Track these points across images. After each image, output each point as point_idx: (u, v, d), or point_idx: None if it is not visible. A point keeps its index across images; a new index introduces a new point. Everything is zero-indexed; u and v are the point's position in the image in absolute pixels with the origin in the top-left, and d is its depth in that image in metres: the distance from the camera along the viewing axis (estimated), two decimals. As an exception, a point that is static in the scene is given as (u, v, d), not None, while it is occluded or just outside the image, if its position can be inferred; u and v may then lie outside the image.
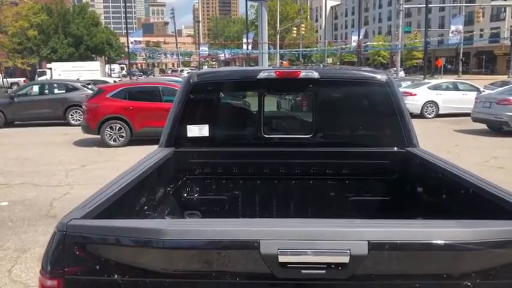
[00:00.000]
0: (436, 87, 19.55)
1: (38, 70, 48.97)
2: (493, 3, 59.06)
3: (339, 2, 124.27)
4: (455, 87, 19.81)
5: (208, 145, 3.40)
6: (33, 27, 41.71)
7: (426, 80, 23.26)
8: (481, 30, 68.32)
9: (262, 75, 3.32)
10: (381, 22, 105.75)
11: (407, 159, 3.28)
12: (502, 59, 66.63)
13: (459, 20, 39.35)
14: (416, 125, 12.65)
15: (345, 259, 1.52)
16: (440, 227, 1.65)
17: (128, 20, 40.26)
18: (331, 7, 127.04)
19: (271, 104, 3.64)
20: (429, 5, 69.13)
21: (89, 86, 17.65)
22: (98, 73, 40.03)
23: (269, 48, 52.32)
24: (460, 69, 59.61)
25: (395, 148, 3.38)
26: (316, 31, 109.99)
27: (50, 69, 42.87)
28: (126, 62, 58.42)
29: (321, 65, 35.04)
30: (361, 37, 39.71)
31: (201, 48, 68.60)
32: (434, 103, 19.01)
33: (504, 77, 40.45)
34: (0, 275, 4.56)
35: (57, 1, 54.72)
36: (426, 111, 18.95)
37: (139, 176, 2.53)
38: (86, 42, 55.78)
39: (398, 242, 1.56)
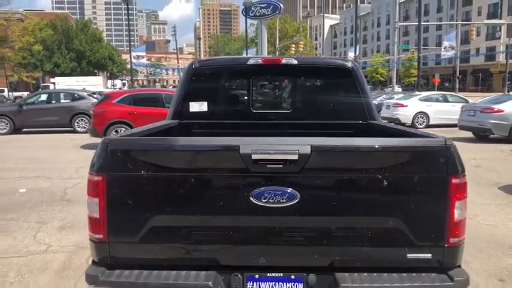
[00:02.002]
0: (426, 99, 20.37)
1: (42, 84, 50.01)
2: (487, 21, 60.45)
3: (338, 21, 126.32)
4: (445, 99, 20.64)
5: (207, 118, 4.17)
6: (38, 43, 42.83)
7: (417, 92, 24.09)
8: (477, 49, 69.64)
9: (251, 61, 4.11)
10: (379, 40, 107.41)
11: (368, 129, 4.03)
12: (497, 77, 67.78)
13: (452, 37, 40.44)
14: None
15: (295, 156, 2.27)
16: (364, 142, 2.42)
17: (131, 37, 41.36)
18: (330, 26, 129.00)
19: (259, 86, 4.42)
20: (426, 23, 70.45)
21: (94, 96, 18.48)
22: (100, 88, 41.01)
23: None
24: (457, 86, 60.60)
25: (360, 121, 4.15)
26: (316, 48, 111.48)
27: (54, 83, 43.85)
28: (128, 77, 59.53)
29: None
30: (357, 54, 40.68)
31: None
32: (424, 114, 19.79)
33: (500, 94, 41.36)
34: (27, 239, 5.28)
35: (61, 17, 56.06)
36: (417, 122, 19.73)
37: (152, 129, 3.30)
38: (89, 58, 57.01)
39: (331, 145, 2.33)
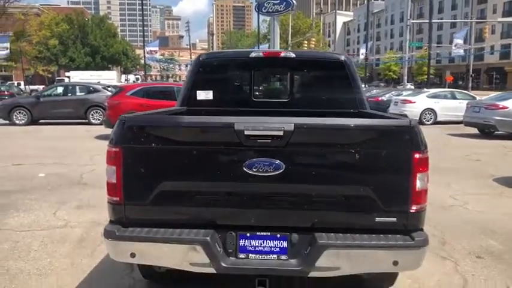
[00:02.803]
0: (434, 96, 20.60)
1: (57, 78, 50.93)
2: (502, 19, 60.01)
3: (352, 18, 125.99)
4: (453, 96, 20.84)
5: (212, 105, 4.59)
6: (54, 37, 43.62)
7: (425, 89, 24.29)
8: (491, 47, 69.21)
9: (253, 55, 4.54)
10: (392, 38, 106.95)
11: (358, 117, 4.43)
12: (512, 75, 67.31)
13: (463, 34, 40.37)
14: None
15: (281, 133, 2.69)
16: (339, 121, 2.84)
17: (144, 33, 41.98)
18: (344, 22, 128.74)
19: (260, 77, 4.85)
20: (440, 21, 69.99)
21: (109, 89, 19.04)
22: (114, 82, 41.69)
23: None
24: (470, 85, 60.33)
25: (351, 110, 4.55)
26: (329, 45, 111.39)
27: (68, 77, 44.68)
28: (141, 72, 60.26)
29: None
30: (368, 51, 40.80)
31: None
32: (432, 111, 20.04)
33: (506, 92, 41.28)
34: (48, 216, 5.78)
35: (77, 12, 56.89)
36: (425, 118, 19.98)
37: (163, 112, 3.74)
38: (103, 53, 57.81)
39: (312, 124, 2.75)
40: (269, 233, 2.87)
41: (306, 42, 58.29)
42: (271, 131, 2.71)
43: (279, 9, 23.60)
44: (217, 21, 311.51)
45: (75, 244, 4.81)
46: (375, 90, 29.13)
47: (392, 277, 3.60)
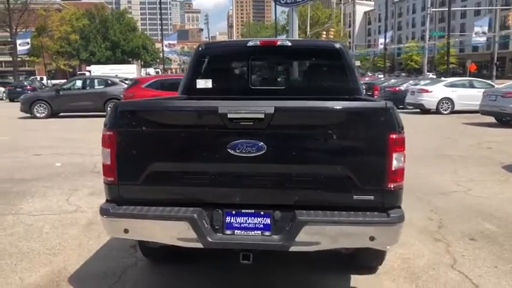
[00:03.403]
0: (452, 85, 20.37)
1: (78, 72, 51.84)
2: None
3: (372, 8, 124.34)
4: (471, 85, 20.56)
5: (211, 93, 4.77)
6: (75, 32, 44.38)
7: (443, 78, 24.02)
8: (517, 34, 67.41)
9: (250, 43, 4.69)
10: (414, 27, 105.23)
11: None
12: (538, 63, 65.50)
13: (484, 22, 39.55)
14: (430, 119, 14.24)
15: (262, 115, 2.85)
16: (317, 103, 2.99)
17: (164, 27, 42.39)
18: (365, 12, 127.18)
19: (257, 65, 5.00)
20: (463, 9, 68.46)
21: (126, 82, 19.41)
22: (133, 76, 42.24)
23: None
24: (494, 74, 58.99)
25: (347, 96, 4.66)
26: (349, 36, 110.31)
27: (89, 71, 45.46)
28: (161, 66, 60.86)
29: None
30: (387, 40, 40.36)
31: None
32: (449, 100, 19.83)
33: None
34: (60, 202, 6.07)
35: (98, 7, 57.68)
36: (442, 108, 19.81)
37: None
38: (123, 47, 58.52)
39: (291, 106, 2.91)
40: (253, 211, 3.03)
41: (324, 32, 58.00)
42: (252, 113, 2.87)
43: (297, 0, 23.54)
44: (237, 14, 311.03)
45: (84, 227, 5.07)
46: (392, 80, 28.95)
47: (380, 255, 3.73)
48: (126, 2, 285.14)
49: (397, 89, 23.35)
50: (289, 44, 4.65)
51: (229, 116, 2.88)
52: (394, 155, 2.90)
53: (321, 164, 2.95)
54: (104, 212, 3.05)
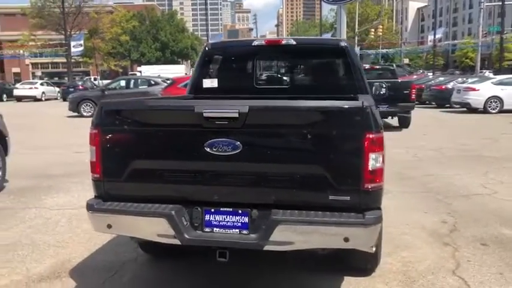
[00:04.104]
0: (501, 83, 19.42)
1: (129, 72, 53.54)
2: None
3: (426, 4, 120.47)
4: (523, 83, 19.53)
5: (216, 93, 4.83)
6: (126, 33, 45.88)
7: (491, 75, 22.95)
8: None
9: (255, 43, 4.72)
10: (470, 23, 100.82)
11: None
12: None
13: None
14: (475, 119, 13.79)
15: (236, 114, 2.86)
16: (292, 103, 2.98)
17: (215, 27, 43.10)
18: (418, 8, 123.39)
19: (262, 64, 5.02)
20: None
21: (168, 81, 19.89)
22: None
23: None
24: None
25: (351, 95, 4.59)
26: (400, 33, 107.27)
27: (140, 72, 46.83)
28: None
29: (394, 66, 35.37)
30: (440, 36, 38.96)
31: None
32: (498, 98, 18.95)
33: None
34: (81, 197, 6.31)
35: (148, 9, 59.35)
36: (489, 107, 18.95)
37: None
38: (172, 47, 59.87)
39: (265, 106, 2.91)
40: (231, 209, 3.05)
41: (373, 30, 56.87)
42: (227, 112, 2.90)
43: (345, -3, 23.14)
44: (287, 12, 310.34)
45: (98, 222, 5.26)
46: (440, 78, 27.92)
47: (372, 258, 3.66)
48: (178, 3, 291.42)
49: (443, 87, 22.55)
50: (294, 42, 4.63)
51: (204, 114, 2.91)
52: (371, 155, 2.83)
53: (296, 163, 2.93)
54: (89, 207, 3.18)
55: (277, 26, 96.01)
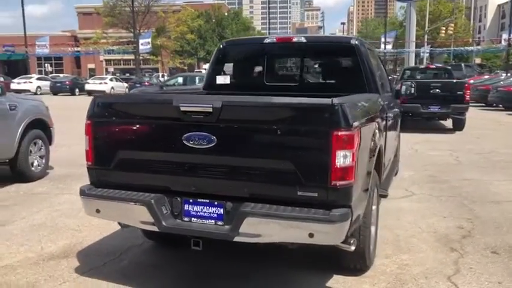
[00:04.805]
0: None
1: (196, 70, 55.04)
2: None
3: (507, 0, 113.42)
4: None
5: (229, 89, 4.95)
6: (194, 32, 47.20)
7: None
8: None
9: (267, 40, 4.79)
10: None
11: None
12: None
13: None
14: None
15: (210, 109, 2.97)
16: (263, 99, 3.03)
17: (283, 25, 43.30)
18: (498, 5, 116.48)
19: (273, 62, 5.06)
20: None
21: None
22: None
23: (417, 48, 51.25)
24: None
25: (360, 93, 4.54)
26: (479, 32, 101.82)
27: (205, 69, 48.01)
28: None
29: (463, 65, 33.71)
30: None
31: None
32: None
33: None
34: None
35: (215, 7, 60.61)
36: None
37: None
38: (237, 46, 60.60)
39: (237, 101, 2.99)
40: (208, 200, 3.17)
41: (443, 28, 54.50)
42: (201, 107, 3.02)
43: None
44: (358, 10, 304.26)
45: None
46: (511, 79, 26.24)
47: (359, 257, 3.63)
48: (248, 2, 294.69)
49: (511, 89, 21.25)
50: (304, 40, 4.65)
51: (181, 108, 3.05)
52: (339, 153, 2.83)
53: (267, 158, 2.99)
54: (81, 192, 3.43)
55: (343, 24, 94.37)
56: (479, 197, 6.08)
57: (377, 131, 3.77)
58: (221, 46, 5.03)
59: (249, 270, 3.89)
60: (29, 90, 35.26)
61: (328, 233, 2.88)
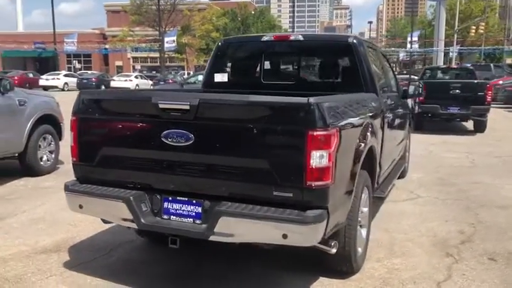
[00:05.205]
0: None
1: (220, 68, 55.22)
2: None
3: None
4: None
5: (226, 87, 4.92)
6: (219, 31, 47.43)
7: None
8: None
9: (264, 38, 4.75)
10: None
11: None
12: None
13: None
14: None
15: (187, 106, 2.95)
16: (238, 97, 3.01)
17: (311, 24, 43.06)
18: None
19: (270, 60, 5.00)
20: None
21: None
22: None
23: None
24: None
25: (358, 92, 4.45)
26: (509, 30, 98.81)
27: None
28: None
29: (492, 65, 32.69)
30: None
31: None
32: None
33: None
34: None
35: (241, 6, 60.66)
36: None
37: None
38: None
39: (214, 99, 2.97)
40: (187, 199, 3.16)
41: (474, 27, 53.17)
42: (179, 104, 3.00)
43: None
44: (388, 9, 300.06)
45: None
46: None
47: (345, 260, 3.56)
48: (276, 0, 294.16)
49: None
50: (301, 38, 4.59)
51: (160, 105, 3.04)
52: (314, 153, 2.78)
53: (244, 157, 2.95)
54: (65, 187, 3.47)
55: (369, 23, 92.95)
56: (487, 201, 5.89)
57: (367, 131, 3.68)
58: (219, 44, 5.01)
59: (233, 270, 3.86)
60: (56, 87, 36.10)
61: (302, 234, 2.82)
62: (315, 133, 2.76)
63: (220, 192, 3.04)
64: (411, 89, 6.21)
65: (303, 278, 3.72)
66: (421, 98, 12.55)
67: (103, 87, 36.84)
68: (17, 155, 6.78)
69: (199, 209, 3.12)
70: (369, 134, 3.68)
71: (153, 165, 3.21)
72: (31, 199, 5.89)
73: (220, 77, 4.96)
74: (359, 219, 3.80)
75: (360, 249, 3.80)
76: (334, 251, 3.22)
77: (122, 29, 48.76)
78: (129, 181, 3.31)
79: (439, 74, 15.95)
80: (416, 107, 13.07)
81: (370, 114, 3.90)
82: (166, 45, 40.88)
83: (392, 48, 78.97)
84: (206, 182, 3.09)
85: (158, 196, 3.22)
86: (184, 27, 43.63)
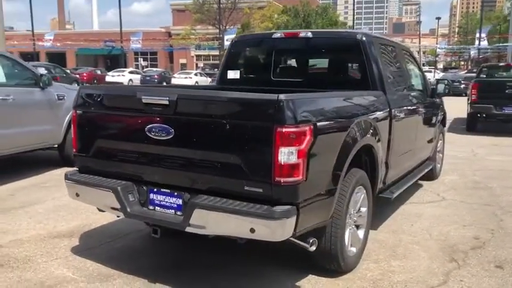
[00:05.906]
0: None
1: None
2: None
3: None
4: None
5: (238, 84, 5.00)
6: (279, 28, 47.43)
7: None
8: None
9: (275, 35, 4.78)
10: None
11: None
12: None
13: None
14: None
15: (166, 102, 3.06)
16: (212, 93, 3.06)
17: (380, 20, 42.15)
18: None
19: (280, 57, 5.00)
20: None
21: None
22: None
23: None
24: None
25: (365, 89, 4.36)
26: None
27: (290, 64, 48.08)
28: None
29: None
30: None
31: (438, 46, 65.90)
32: None
33: None
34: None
35: (304, 3, 60.14)
36: None
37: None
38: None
39: (190, 95, 3.05)
40: (169, 191, 3.28)
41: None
42: (158, 99, 3.12)
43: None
44: (462, 3, 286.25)
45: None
46: None
47: (332, 259, 3.53)
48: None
49: None
50: (310, 35, 4.57)
51: (143, 100, 3.18)
52: (282, 149, 2.79)
53: (218, 152, 3.02)
54: (65, 176, 3.70)
55: (438, 18, 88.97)
56: (516, 208, 5.57)
57: (360, 129, 3.60)
58: (233, 41, 5.10)
59: (222, 265, 3.93)
60: (121, 83, 37.79)
61: (269, 229, 2.84)
62: (284, 130, 2.77)
63: (198, 186, 3.13)
64: (439, 87, 5.99)
65: (291, 274, 3.72)
66: (473, 98, 11.98)
67: (164, 83, 38.15)
68: (56, 146, 7.24)
69: (180, 201, 3.23)
70: (362, 132, 3.61)
71: (139, 158, 3.36)
72: (63, 187, 6.24)
73: (233, 74, 5.05)
74: (354, 218, 3.76)
75: (354, 249, 3.75)
76: (313, 248, 3.21)
77: (185, 27, 50.15)
78: (120, 172, 3.48)
79: (498, 72, 15.06)
80: (468, 107, 12.49)
81: (366, 112, 3.81)
82: (226, 43, 41.41)
83: (463, 46, 75.36)
84: (186, 175, 3.19)
85: (144, 187, 3.37)
86: (244, 25, 44.13)
